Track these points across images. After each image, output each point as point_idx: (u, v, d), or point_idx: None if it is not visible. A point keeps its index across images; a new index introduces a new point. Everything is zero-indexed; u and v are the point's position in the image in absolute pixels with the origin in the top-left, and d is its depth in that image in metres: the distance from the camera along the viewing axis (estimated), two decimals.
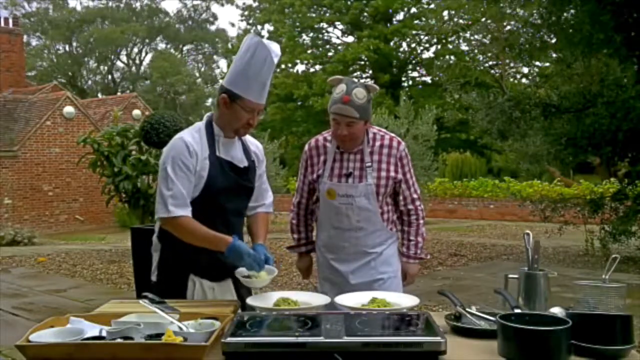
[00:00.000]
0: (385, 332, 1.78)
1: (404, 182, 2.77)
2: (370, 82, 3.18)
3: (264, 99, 2.40)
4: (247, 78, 2.32)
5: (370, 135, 2.75)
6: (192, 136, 2.38)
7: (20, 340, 1.72)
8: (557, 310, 1.89)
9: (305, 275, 3.04)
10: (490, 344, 1.72)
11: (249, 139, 2.57)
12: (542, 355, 1.58)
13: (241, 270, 2.31)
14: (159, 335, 1.73)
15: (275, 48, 2.33)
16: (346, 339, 1.64)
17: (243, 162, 2.49)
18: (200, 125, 2.45)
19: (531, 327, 1.60)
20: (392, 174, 2.73)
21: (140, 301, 1.96)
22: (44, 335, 1.76)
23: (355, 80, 2.75)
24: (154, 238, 2.56)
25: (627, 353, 1.69)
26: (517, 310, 1.86)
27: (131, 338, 1.74)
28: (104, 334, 1.77)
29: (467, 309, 1.99)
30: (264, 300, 2.23)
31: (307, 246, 2.99)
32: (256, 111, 2.39)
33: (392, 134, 2.83)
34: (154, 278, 2.52)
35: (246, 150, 2.54)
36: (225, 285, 2.52)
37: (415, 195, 2.82)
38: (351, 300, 2.21)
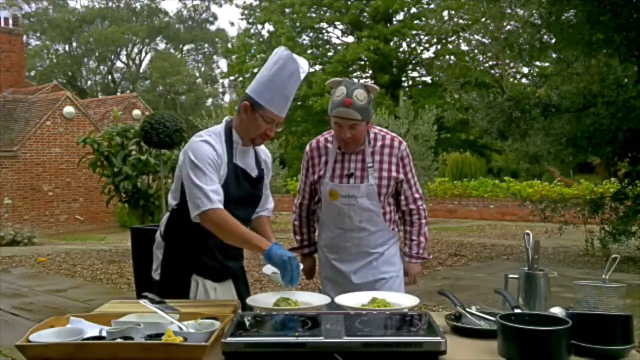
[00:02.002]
0: (385, 332, 1.78)
1: (406, 182, 2.77)
2: (370, 82, 3.17)
3: (285, 112, 2.41)
4: (272, 89, 2.33)
5: (372, 135, 2.75)
6: (213, 140, 2.37)
7: (20, 340, 1.72)
8: (557, 310, 1.89)
9: (309, 277, 3.04)
10: (490, 344, 1.72)
11: (260, 147, 2.57)
12: (542, 355, 1.58)
13: (268, 267, 2.31)
14: (159, 335, 1.74)
15: (303, 64, 2.35)
16: (346, 339, 1.64)
17: (255, 171, 2.51)
18: (219, 129, 2.44)
19: (531, 327, 1.60)
20: (394, 174, 2.72)
21: (140, 301, 1.96)
22: (44, 335, 1.76)
23: (355, 81, 2.74)
24: (157, 236, 2.56)
25: (627, 353, 1.69)
26: (517, 310, 1.86)
27: (131, 338, 1.74)
28: (104, 334, 1.77)
29: (467, 309, 1.99)
30: (264, 300, 2.23)
31: (310, 247, 2.99)
32: (275, 123, 2.40)
33: (394, 134, 2.83)
34: (156, 276, 2.52)
35: (257, 158, 2.55)
36: (226, 285, 2.53)
37: (417, 195, 2.82)
38: (351, 300, 2.21)
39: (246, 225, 2.52)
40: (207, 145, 2.34)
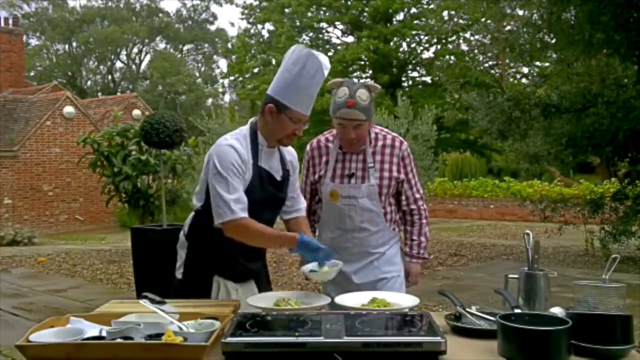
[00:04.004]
0: (385, 332, 1.78)
1: (407, 182, 2.77)
2: (370, 82, 3.16)
3: (310, 110, 2.40)
4: (297, 90, 2.32)
5: (372, 135, 2.74)
6: (239, 143, 2.37)
7: (20, 340, 1.72)
8: (557, 310, 1.89)
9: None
10: (490, 344, 1.72)
11: (285, 147, 2.56)
12: (542, 355, 1.58)
13: (307, 266, 2.35)
14: (159, 335, 1.74)
15: (325, 61, 2.32)
16: (346, 339, 1.64)
17: (279, 173, 2.50)
18: (245, 131, 2.43)
19: (531, 327, 1.60)
20: (395, 174, 2.72)
21: (140, 301, 1.96)
22: (44, 335, 1.77)
23: (356, 81, 2.74)
24: (181, 235, 2.57)
25: (627, 353, 1.69)
26: (517, 310, 1.86)
27: (131, 338, 1.74)
28: (104, 334, 1.77)
29: (467, 309, 1.99)
30: (264, 300, 2.24)
31: None
32: (302, 122, 2.40)
33: (395, 134, 2.82)
34: (179, 276, 2.53)
35: (282, 159, 2.54)
36: (248, 286, 2.53)
37: (417, 195, 2.81)
38: (351, 300, 2.21)
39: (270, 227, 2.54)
40: (232, 150, 2.33)
